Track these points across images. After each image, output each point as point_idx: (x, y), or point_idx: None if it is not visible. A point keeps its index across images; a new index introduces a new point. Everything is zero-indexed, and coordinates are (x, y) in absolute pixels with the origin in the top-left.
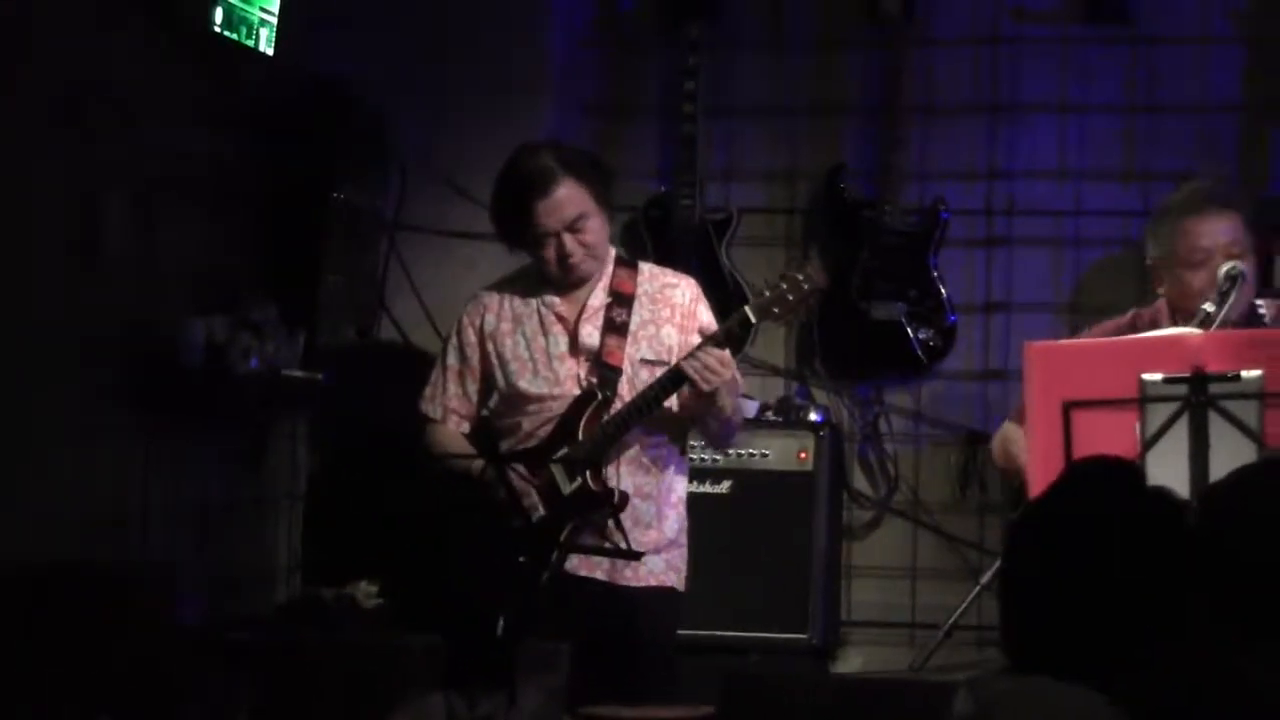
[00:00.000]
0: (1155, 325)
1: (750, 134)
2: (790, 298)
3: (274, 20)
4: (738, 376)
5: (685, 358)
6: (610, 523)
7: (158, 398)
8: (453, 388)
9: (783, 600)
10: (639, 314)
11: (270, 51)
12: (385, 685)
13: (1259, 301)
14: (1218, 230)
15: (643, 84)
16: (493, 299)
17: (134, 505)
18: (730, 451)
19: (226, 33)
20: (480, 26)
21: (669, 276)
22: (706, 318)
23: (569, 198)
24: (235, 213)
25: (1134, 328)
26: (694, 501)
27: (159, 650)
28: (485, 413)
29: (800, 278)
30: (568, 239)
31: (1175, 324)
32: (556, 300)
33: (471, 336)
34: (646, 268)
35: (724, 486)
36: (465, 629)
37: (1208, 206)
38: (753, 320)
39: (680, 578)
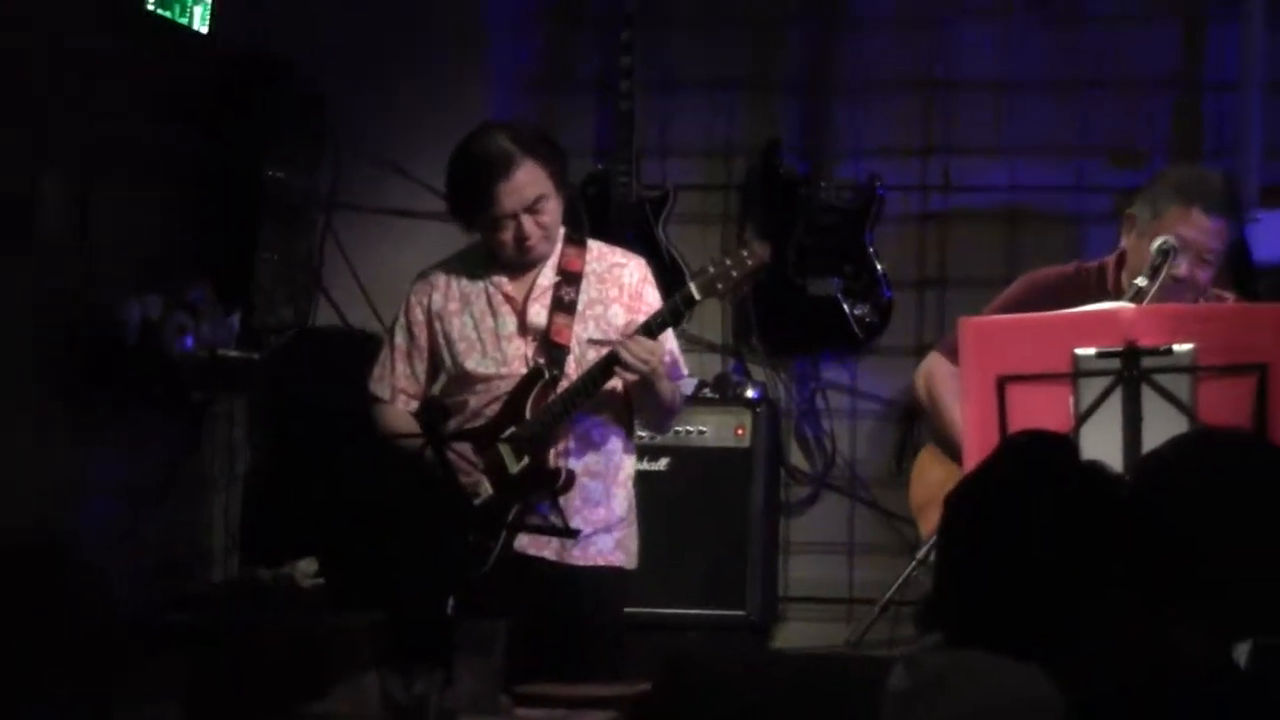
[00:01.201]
0: (1101, 280)
1: (686, 111)
2: (735, 274)
3: None
4: (680, 360)
5: (618, 343)
6: (559, 501)
7: (93, 377)
8: (401, 367)
9: (720, 577)
10: (587, 293)
11: (205, 30)
12: (321, 665)
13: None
14: (1210, 232)
15: (579, 60)
16: (440, 278)
17: (68, 485)
18: None
19: (161, 11)
20: (416, 3)
21: (618, 255)
22: (653, 298)
23: (529, 179)
24: (170, 192)
25: (1078, 278)
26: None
27: (92, 631)
28: (433, 392)
29: (745, 254)
30: (526, 221)
31: (1122, 279)
32: (504, 280)
33: (419, 315)
34: (595, 246)
35: (662, 463)
36: (407, 609)
37: (1218, 208)
38: (697, 297)
39: (630, 557)
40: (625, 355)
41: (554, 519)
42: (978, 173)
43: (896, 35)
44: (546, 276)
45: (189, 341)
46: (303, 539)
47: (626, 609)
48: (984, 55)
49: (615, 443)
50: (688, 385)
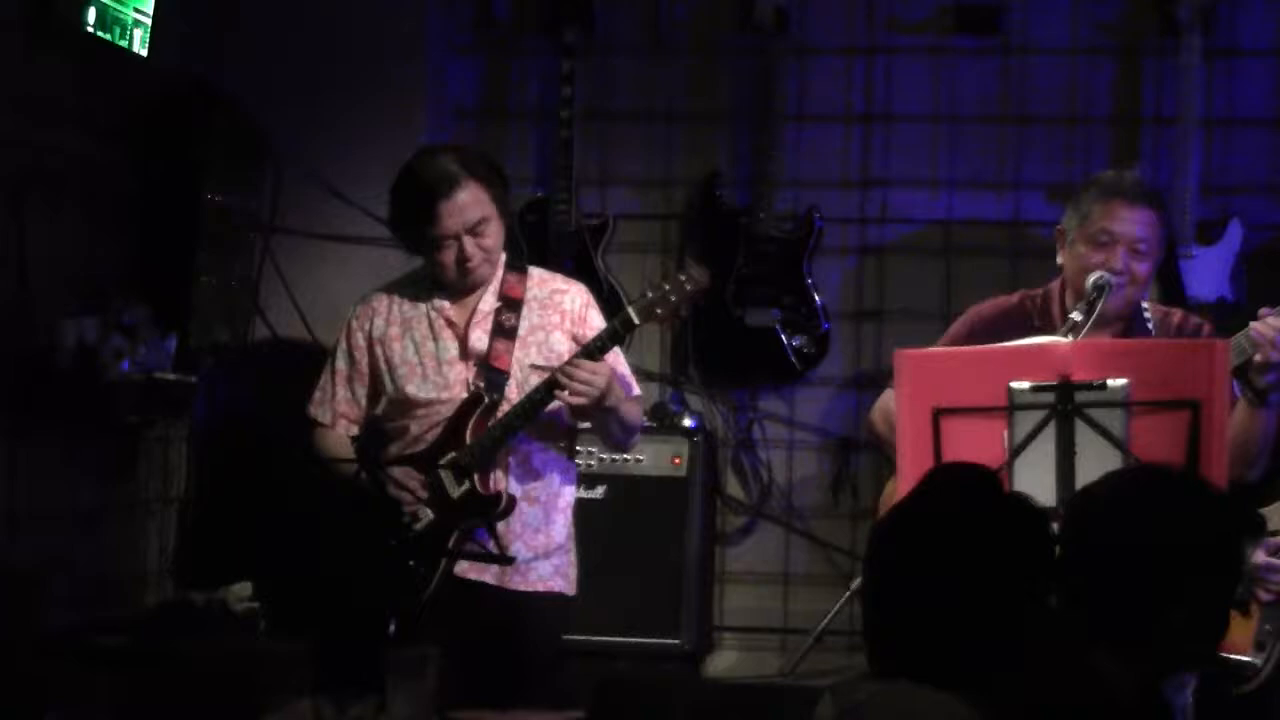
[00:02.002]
0: (1046, 308)
1: (626, 140)
2: (673, 298)
3: (148, 21)
4: (631, 379)
5: (558, 369)
6: (491, 526)
7: (27, 400)
8: (342, 392)
9: (655, 605)
10: (528, 319)
11: (144, 53)
12: (253, 690)
13: (1145, 306)
14: (1136, 221)
15: (519, 89)
16: (381, 302)
17: (0, 508)
18: (605, 456)
19: (100, 33)
20: (356, 30)
21: (558, 282)
22: (598, 322)
23: (472, 200)
24: (107, 214)
25: (1021, 309)
26: None
27: (22, 654)
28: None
29: (683, 278)
30: (468, 242)
31: (1065, 305)
32: (446, 305)
33: (360, 340)
34: (536, 273)
35: (598, 491)
36: (341, 634)
37: (1139, 197)
38: (636, 321)
39: (570, 583)
40: (567, 379)
41: (492, 546)
42: (916, 206)
43: (835, 68)
44: (487, 302)
45: (125, 365)
46: (237, 563)
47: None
48: (922, 89)
49: (555, 470)
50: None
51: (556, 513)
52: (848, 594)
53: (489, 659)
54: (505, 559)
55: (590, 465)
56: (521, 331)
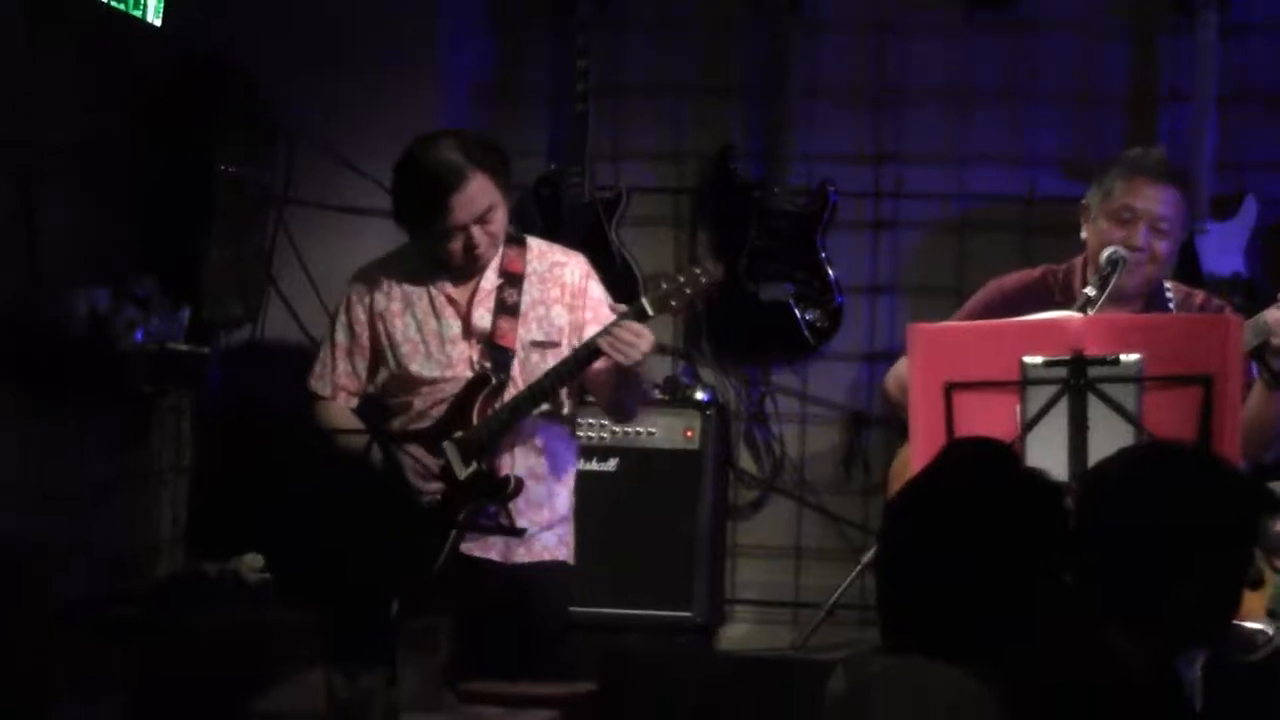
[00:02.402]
0: (1068, 282)
1: (640, 114)
2: (688, 291)
3: None
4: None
5: (600, 334)
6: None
7: (39, 371)
8: (342, 365)
9: (667, 578)
10: (529, 294)
11: (158, 23)
12: (265, 661)
13: (1167, 285)
14: (1159, 199)
15: (533, 62)
16: (381, 277)
17: (14, 480)
18: (617, 429)
19: (113, 3)
20: (370, 3)
21: (558, 254)
22: (598, 293)
23: (480, 191)
24: (119, 187)
25: (1043, 283)
26: (581, 479)
27: (37, 626)
28: (372, 389)
29: (698, 271)
30: (476, 231)
31: (1087, 281)
32: (448, 283)
33: (361, 314)
34: (535, 244)
35: (611, 464)
36: (351, 606)
37: (1164, 175)
38: (650, 313)
39: (570, 551)
40: (609, 344)
41: (501, 519)
42: (930, 180)
43: (850, 42)
44: (489, 280)
45: (139, 335)
46: (246, 535)
47: (572, 608)
48: (937, 63)
49: (559, 446)
50: None
51: (560, 486)
52: (859, 568)
53: (495, 633)
54: (516, 531)
55: (603, 438)
56: (523, 307)
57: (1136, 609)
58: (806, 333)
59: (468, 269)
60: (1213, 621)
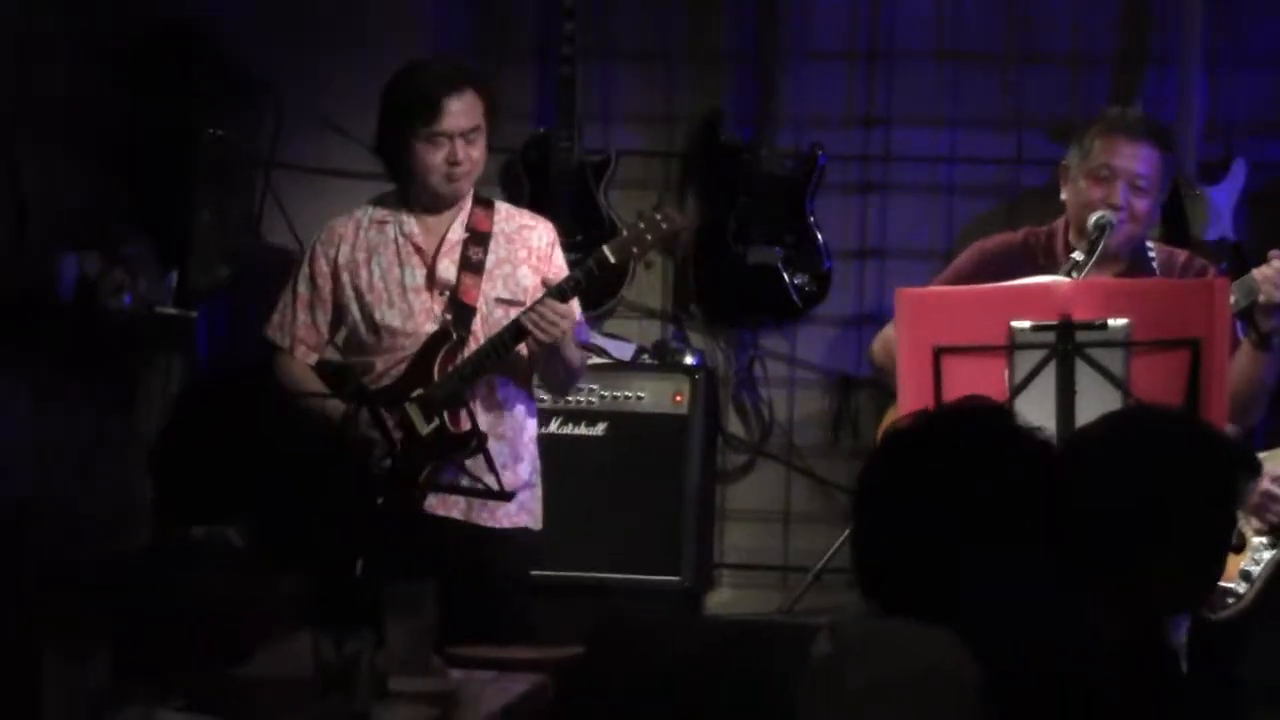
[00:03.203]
0: (1050, 245)
1: (629, 76)
2: (649, 236)
3: None
4: (584, 323)
5: (525, 310)
6: (483, 462)
7: (27, 333)
8: (302, 316)
9: (655, 542)
10: (495, 253)
11: None
12: (251, 625)
13: (1149, 245)
14: (1137, 156)
15: (520, 24)
16: (347, 228)
17: None
18: (605, 394)
19: None
20: None
21: (525, 218)
22: (561, 262)
23: (472, 106)
24: (106, 151)
25: (1026, 246)
26: (569, 443)
27: (19, 591)
28: (333, 356)
29: (658, 217)
30: (460, 146)
31: (1069, 242)
32: (415, 230)
33: (324, 266)
34: (503, 207)
35: (599, 428)
36: (329, 569)
37: (1142, 133)
38: (612, 260)
39: (535, 519)
40: (532, 322)
41: (488, 480)
42: (918, 144)
43: (839, 4)
44: (456, 232)
45: (127, 299)
46: (232, 498)
47: (558, 572)
48: (925, 26)
49: (519, 406)
50: (626, 350)
51: (522, 447)
52: (847, 532)
53: (456, 593)
54: (505, 495)
55: (591, 402)
56: (488, 265)
57: (1119, 575)
58: (795, 296)
59: (442, 190)
60: (1197, 586)
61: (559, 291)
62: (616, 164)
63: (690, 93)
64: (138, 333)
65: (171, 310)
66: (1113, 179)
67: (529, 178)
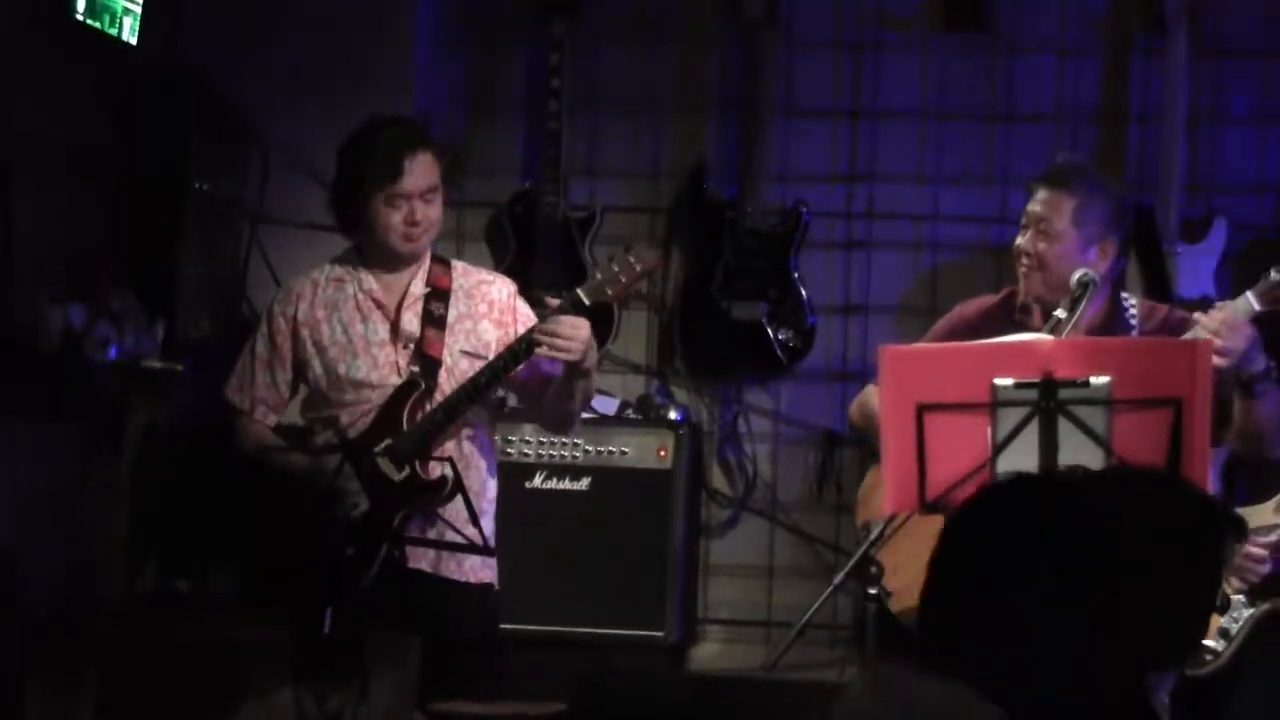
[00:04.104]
0: (1026, 305)
1: (614, 132)
2: (622, 279)
3: (138, 9)
4: (593, 354)
5: (534, 328)
6: (464, 515)
7: (11, 385)
8: (261, 376)
9: (640, 597)
10: (455, 308)
11: (134, 41)
12: (234, 679)
13: (1130, 301)
14: (1040, 200)
15: (507, 80)
16: (305, 287)
17: None
18: (590, 448)
19: (89, 21)
20: (345, 19)
21: (483, 274)
22: (527, 312)
23: (430, 167)
24: (94, 201)
25: (1007, 304)
26: (553, 497)
27: (9, 635)
28: (300, 419)
29: (631, 259)
30: (419, 206)
31: (1028, 299)
32: (374, 286)
33: (282, 325)
34: (460, 265)
35: (583, 483)
36: (308, 623)
37: (1048, 179)
38: (586, 302)
39: (495, 576)
40: (548, 337)
41: (470, 531)
42: (902, 201)
43: (823, 62)
44: (418, 286)
45: (113, 352)
46: (203, 548)
47: (545, 626)
48: (910, 84)
49: (482, 463)
50: (610, 405)
51: (486, 503)
52: (831, 588)
53: (427, 646)
54: (488, 550)
55: (575, 457)
56: (450, 320)
57: (1103, 633)
58: (779, 352)
59: (400, 250)
60: (1182, 645)
61: (573, 303)
62: (601, 219)
63: (676, 148)
64: (123, 385)
65: (158, 364)
66: (1027, 225)
67: (514, 232)
